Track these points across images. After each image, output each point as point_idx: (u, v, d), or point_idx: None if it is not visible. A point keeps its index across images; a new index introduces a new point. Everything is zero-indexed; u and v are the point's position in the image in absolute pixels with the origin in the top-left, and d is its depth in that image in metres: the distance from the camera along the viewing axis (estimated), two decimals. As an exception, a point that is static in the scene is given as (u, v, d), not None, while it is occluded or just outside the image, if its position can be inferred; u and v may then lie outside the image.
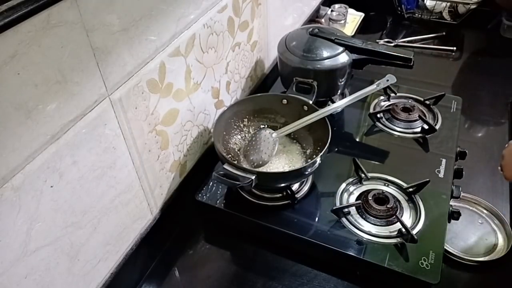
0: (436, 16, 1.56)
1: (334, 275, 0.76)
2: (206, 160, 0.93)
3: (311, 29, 1.03)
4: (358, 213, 0.80)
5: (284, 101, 0.93)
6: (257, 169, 0.82)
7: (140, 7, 0.62)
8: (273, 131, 0.87)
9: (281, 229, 0.78)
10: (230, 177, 0.73)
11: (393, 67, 0.99)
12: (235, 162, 0.84)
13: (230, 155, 0.89)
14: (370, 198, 0.80)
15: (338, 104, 0.86)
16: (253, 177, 0.72)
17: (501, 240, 0.83)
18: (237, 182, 0.72)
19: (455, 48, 1.41)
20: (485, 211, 0.89)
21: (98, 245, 0.68)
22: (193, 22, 0.77)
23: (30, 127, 0.50)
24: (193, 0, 0.75)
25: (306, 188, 0.86)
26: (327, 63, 0.97)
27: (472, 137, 1.10)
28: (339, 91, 1.05)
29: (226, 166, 0.75)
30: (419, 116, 1.01)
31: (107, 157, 0.64)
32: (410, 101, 1.07)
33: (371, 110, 1.06)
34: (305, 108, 0.90)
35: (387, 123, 1.02)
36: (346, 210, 0.80)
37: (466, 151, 0.94)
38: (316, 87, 0.94)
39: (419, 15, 1.58)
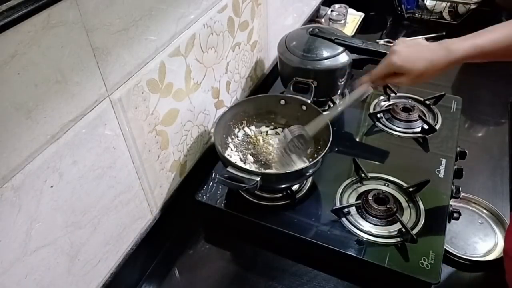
0: (436, 16, 1.56)
1: (334, 275, 0.76)
2: (206, 160, 0.92)
3: (311, 29, 1.03)
4: (358, 213, 0.80)
5: (282, 101, 0.92)
6: (260, 171, 0.82)
7: (140, 7, 0.62)
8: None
9: (281, 229, 0.78)
10: (235, 179, 0.73)
11: (393, 67, 0.99)
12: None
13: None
14: (370, 198, 0.80)
15: (344, 102, 0.86)
16: (258, 179, 0.72)
17: (501, 240, 0.83)
18: (243, 184, 0.72)
19: (455, 48, 1.40)
20: (485, 211, 0.89)
21: (98, 245, 0.68)
22: (193, 22, 0.77)
23: (30, 127, 0.50)
24: (193, 0, 0.75)
25: (306, 188, 0.86)
26: (327, 63, 0.97)
27: (472, 137, 1.10)
28: (339, 91, 1.05)
29: (230, 169, 0.74)
30: (419, 116, 1.01)
31: (107, 157, 0.64)
32: (410, 101, 1.07)
33: (371, 110, 1.06)
34: (304, 108, 0.90)
35: (387, 123, 1.02)
36: (346, 210, 0.80)
37: (466, 151, 0.94)
38: (313, 86, 0.93)
39: (419, 15, 1.58)
